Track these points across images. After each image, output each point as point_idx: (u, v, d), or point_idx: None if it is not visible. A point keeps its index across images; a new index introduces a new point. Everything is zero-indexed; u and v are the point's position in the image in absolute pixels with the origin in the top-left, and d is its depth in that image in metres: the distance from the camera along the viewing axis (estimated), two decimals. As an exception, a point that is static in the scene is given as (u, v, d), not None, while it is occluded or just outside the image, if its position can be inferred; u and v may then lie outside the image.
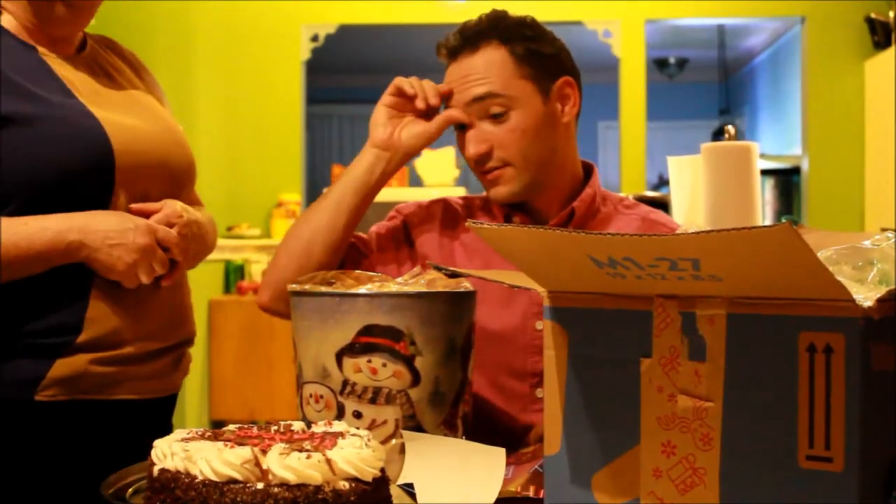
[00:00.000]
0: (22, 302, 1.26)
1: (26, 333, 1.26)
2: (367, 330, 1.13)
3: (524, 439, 1.39)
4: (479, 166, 1.45)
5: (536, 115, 1.43)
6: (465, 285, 1.22)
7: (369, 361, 1.13)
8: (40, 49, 1.35)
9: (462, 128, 1.45)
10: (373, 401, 1.14)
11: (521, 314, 1.44)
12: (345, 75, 8.31)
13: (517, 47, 1.43)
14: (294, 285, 1.20)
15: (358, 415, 1.14)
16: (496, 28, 1.44)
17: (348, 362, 1.14)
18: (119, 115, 1.35)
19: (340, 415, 1.15)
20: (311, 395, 1.18)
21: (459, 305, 1.19)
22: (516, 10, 1.48)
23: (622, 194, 1.60)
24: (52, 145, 1.26)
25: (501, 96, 1.41)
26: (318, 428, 1.00)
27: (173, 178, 1.41)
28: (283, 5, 5.15)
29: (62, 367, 1.27)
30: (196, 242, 1.40)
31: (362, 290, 1.17)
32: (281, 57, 5.16)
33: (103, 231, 1.26)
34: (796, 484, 0.80)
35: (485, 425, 1.33)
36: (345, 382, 1.15)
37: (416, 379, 1.14)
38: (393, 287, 1.18)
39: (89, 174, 1.29)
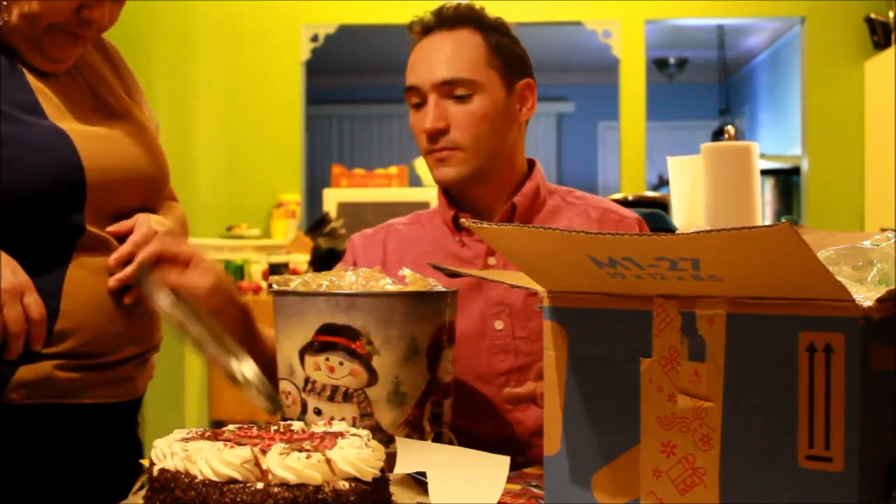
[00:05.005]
0: None
1: None
2: (326, 329, 1.15)
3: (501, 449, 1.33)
4: (430, 143, 1.45)
5: (497, 105, 1.44)
6: (433, 284, 1.22)
7: (327, 360, 1.15)
8: (20, 63, 1.30)
9: (419, 105, 1.46)
10: (331, 398, 1.16)
11: (478, 315, 1.44)
12: (344, 75, 8.31)
13: (492, 37, 1.46)
14: (274, 285, 1.22)
15: (318, 412, 1.16)
16: (474, 16, 1.47)
17: (309, 360, 1.17)
18: (92, 129, 1.32)
19: (304, 411, 1.17)
20: (283, 391, 1.21)
21: (423, 306, 1.19)
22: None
23: (563, 186, 1.59)
24: (22, 165, 1.23)
25: (469, 81, 1.43)
26: (318, 428, 1.00)
27: (147, 187, 1.38)
28: (283, 5, 5.15)
29: (26, 371, 1.26)
30: (175, 247, 1.37)
31: (324, 288, 1.19)
32: (281, 57, 5.16)
33: None
34: (796, 484, 0.80)
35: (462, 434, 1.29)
36: (306, 380, 1.17)
37: (373, 378, 1.15)
38: (348, 286, 1.19)
39: (59, 193, 1.26)
